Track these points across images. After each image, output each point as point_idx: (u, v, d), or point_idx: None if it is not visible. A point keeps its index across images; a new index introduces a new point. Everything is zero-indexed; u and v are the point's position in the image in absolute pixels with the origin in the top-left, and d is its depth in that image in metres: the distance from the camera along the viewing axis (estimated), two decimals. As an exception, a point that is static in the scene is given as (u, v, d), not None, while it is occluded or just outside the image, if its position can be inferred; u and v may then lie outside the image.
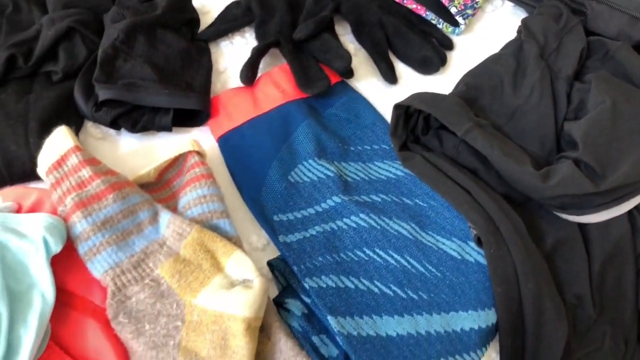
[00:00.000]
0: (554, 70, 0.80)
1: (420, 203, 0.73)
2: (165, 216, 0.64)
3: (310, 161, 0.75)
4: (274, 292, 0.68)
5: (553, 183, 0.68)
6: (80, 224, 0.60)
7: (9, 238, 0.58)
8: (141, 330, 0.58)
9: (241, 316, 0.58)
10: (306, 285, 0.64)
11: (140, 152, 0.76)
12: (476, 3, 0.95)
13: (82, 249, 0.61)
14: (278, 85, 0.81)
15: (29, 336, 0.55)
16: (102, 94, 0.71)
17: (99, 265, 0.60)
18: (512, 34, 0.90)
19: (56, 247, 0.59)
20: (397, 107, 0.76)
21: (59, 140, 0.64)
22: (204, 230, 0.63)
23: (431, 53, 0.87)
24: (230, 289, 0.60)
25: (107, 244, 0.60)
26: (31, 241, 0.59)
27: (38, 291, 0.57)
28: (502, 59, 0.83)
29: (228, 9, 0.90)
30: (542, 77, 0.79)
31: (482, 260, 0.68)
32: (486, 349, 0.66)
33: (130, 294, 0.60)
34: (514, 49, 0.84)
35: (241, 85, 0.82)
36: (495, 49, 0.88)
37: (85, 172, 0.62)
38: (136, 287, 0.60)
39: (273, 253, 0.70)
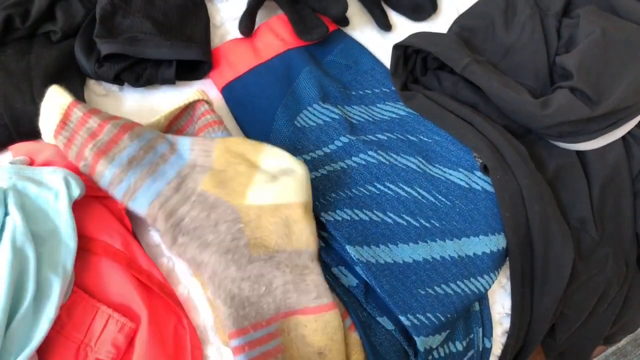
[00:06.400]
0: (542, 8, 0.83)
1: (425, 139, 0.75)
2: (184, 141, 0.65)
3: (315, 105, 0.76)
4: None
5: (551, 110, 0.70)
6: (108, 171, 0.60)
7: (27, 186, 0.59)
8: (206, 242, 0.60)
9: (297, 202, 0.62)
10: (322, 220, 0.65)
11: (144, 108, 0.77)
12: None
13: (119, 192, 0.61)
14: (277, 34, 0.83)
15: (57, 278, 0.55)
16: (105, 48, 0.71)
17: (143, 200, 0.61)
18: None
19: (76, 192, 0.59)
20: (397, 48, 0.78)
21: (56, 100, 0.63)
22: (227, 139, 0.65)
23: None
24: (274, 182, 0.63)
25: (142, 180, 0.61)
26: (49, 189, 0.59)
27: (60, 236, 0.58)
28: (492, 1, 0.86)
29: (220, -36, 0.90)
30: (532, 15, 0.81)
31: (489, 188, 0.71)
32: (499, 273, 0.69)
33: (182, 215, 0.61)
34: (503, -9, 0.86)
35: (240, 37, 0.83)
36: (484, -6, 0.91)
37: (93, 122, 0.62)
38: (185, 207, 0.62)
39: (285, 195, 0.71)
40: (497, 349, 0.74)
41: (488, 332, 0.70)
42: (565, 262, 0.69)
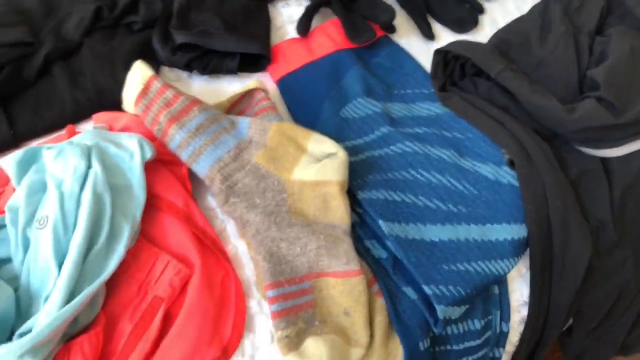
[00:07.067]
0: (577, 26, 0.89)
1: (458, 135, 0.81)
2: (243, 121, 0.74)
3: (360, 99, 0.84)
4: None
5: (577, 116, 0.76)
6: (178, 135, 0.70)
7: (107, 145, 0.68)
8: (254, 204, 0.69)
9: (335, 180, 0.70)
10: (359, 197, 0.72)
11: (209, 93, 0.86)
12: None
13: (185, 154, 0.71)
14: (330, 36, 0.92)
15: (127, 225, 0.64)
16: (180, 38, 0.82)
17: (205, 163, 0.70)
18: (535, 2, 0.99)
19: (149, 153, 0.68)
20: (438, 53, 0.85)
21: (139, 73, 0.74)
22: (281, 123, 0.74)
23: (465, 14, 0.97)
24: (317, 162, 0.72)
25: (206, 145, 0.71)
26: (126, 150, 0.69)
27: (132, 190, 0.67)
28: (530, 18, 0.93)
29: (284, -26, 1.00)
30: (567, 32, 0.87)
31: (515, 182, 0.76)
32: (518, 259, 0.73)
33: (237, 180, 0.70)
34: (540, 9, 0.93)
35: (297, 37, 0.93)
36: (522, 13, 0.97)
37: (169, 93, 0.72)
38: (240, 174, 0.71)
39: (328, 176, 0.79)
40: (514, 336, 0.77)
41: (506, 317, 0.74)
42: (582, 257, 0.73)
